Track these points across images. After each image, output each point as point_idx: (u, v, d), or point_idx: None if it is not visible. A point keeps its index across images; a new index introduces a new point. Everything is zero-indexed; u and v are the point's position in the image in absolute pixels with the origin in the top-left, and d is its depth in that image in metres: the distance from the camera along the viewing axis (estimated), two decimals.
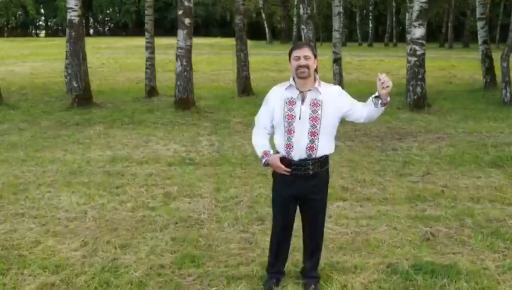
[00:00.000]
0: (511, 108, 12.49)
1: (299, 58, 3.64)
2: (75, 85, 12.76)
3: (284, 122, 3.68)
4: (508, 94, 12.98)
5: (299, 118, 3.64)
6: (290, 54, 3.71)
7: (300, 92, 3.69)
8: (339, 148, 8.52)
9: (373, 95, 3.68)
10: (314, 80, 3.71)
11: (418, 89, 12.48)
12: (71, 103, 12.88)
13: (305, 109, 3.65)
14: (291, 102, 3.68)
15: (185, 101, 12.32)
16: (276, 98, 3.76)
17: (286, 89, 3.74)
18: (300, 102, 3.67)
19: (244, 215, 5.54)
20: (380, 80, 3.53)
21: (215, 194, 6.25)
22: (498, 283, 4.07)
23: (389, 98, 3.65)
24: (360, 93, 15.21)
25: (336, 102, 3.71)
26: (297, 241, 4.62)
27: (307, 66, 3.63)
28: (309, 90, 3.69)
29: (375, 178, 6.90)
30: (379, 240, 4.89)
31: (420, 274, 4.14)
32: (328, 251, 4.63)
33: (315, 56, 3.71)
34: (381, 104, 3.63)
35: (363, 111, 3.75)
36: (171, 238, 4.93)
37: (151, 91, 14.78)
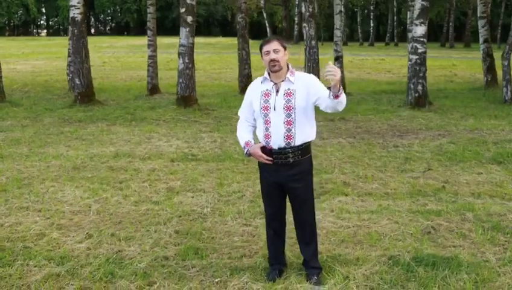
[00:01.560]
0: None
1: (269, 52, 3.76)
2: (78, 82, 12.81)
3: (261, 113, 3.82)
4: (509, 92, 13.01)
5: (274, 109, 3.78)
6: (260, 50, 3.83)
7: (275, 83, 3.82)
8: (340, 145, 8.59)
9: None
10: (287, 71, 3.82)
11: (419, 87, 12.51)
12: (74, 100, 12.94)
13: (279, 100, 3.78)
14: (266, 94, 3.83)
15: (187, 98, 12.37)
16: (253, 92, 3.92)
17: (262, 82, 3.88)
18: (275, 93, 3.80)
19: (247, 209, 5.59)
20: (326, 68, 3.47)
21: (217, 188, 6.30)
22: (498, 274, 4.11)
23: (340, 91, 3.55)
24: (361, 91, 15.35)
25: (307, 90, 3.79)
26: None
27: (277, 60, 3.75)
28: (282, 81, 3.81)
29: (377, 174, 6.95)
30: (380, 233, 4.93)
31: (421, 266, 4.19)
32: (330, 244, 4.68)
33: (285, 48, 3.81)
34: (332, 95, 3.57)
35: (326, 101, 3.69)
36: (175, 231, 4.99)
37: (153, 89, 14.83)
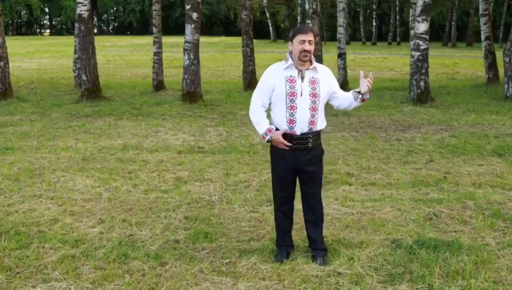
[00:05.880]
0: None
1: (304, 42, 3.92)
2: (85, 78, 12.97)
3: (286, 99, 3.96)
4: (510, 89, 13.14)
5: (301, 95, 3.94)
6: (294, 36, 3.97)
7: (299, 70, 3.98)
8: (344, 138, 8.74)
9: (356, 89, 4.11)
10: (310, 61, 4.01)
11: (422, 83, 12.65)
12: (80, 96, 13.11)
13: (305, 86, 3.96)
14: (291, 80, 3.97)
15: (192, 94, 12.53)
16: (276, 76, 4.02)
17: (286, 68, 4.01)
18: (300, 80, 3.96)
19: (254, 197, 5.75)
20: (370, 77, 4.05)
21: (224, 178, 6.46)
22: (498, 257, 4.26)
23: (368, 96, 4.13)
24: None
25: (329, 81, 4.08)
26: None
27: (311, 51, 3.94)
28: (307, 69, 3.99)
29: (380, 165, 7.09)
30: (384, 219, 5.09)
31: (423, 249, 4.34)
32: (335, 229, 4.84)
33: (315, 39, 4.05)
34: (360, 99, 4.08)
35: (344, 100, 4.15)
36: (184, 217, 5.15)
37: (159, 85, 14.98)
